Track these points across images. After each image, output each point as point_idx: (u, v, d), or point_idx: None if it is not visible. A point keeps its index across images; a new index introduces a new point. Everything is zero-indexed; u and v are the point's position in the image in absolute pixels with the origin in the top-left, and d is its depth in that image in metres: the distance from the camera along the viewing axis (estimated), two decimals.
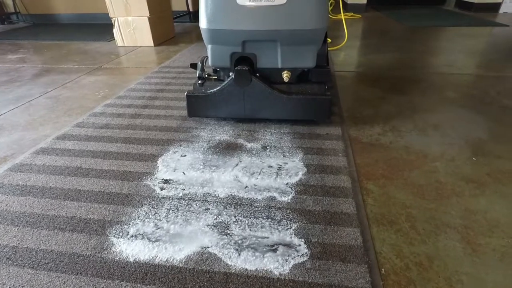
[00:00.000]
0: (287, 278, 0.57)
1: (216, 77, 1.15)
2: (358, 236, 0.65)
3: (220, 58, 1.03)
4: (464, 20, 3.14)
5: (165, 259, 0.61)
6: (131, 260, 0.62)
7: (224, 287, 0.56)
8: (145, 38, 2.47)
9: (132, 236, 0.67)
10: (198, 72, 1.10)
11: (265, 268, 0.59)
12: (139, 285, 0.57)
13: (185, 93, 1.08)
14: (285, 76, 1.05)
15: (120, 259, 0.62)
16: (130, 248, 0.64)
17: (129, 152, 0.98)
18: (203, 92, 1.08)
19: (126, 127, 1.14)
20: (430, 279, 0.58)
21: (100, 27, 3.28)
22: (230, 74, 1.05)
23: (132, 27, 2.45)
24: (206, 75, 1.12)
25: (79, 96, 1.50)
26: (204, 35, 0.99)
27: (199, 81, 1.11)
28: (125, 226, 0.70)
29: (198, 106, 1.10)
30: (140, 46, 2.49)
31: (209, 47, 1.01)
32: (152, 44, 2.48)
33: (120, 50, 2.38)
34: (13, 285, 0.57)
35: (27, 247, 0.65)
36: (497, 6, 3.52)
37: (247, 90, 1.04)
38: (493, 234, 0.67)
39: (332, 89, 1.45)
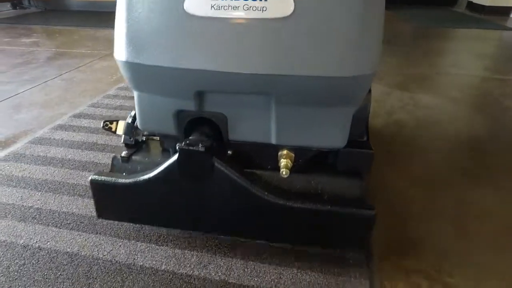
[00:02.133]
0: None
1: (159, 139, 0.63)
2: None
3: (155, 118, 0.55)
4: (474, 22, 3.16)
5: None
6: None
7: None
8: None
9: None
10: (123, 136, 0.62)
11: None
12: (153, 245, 0.62)
13: (90, 178, 0.57)
14: (284, 164, 0.52)
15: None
16: None
17: None
18: (122, 178, 0.56)
19: None
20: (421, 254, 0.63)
21: (110, 14, 3.31)
22: (177, 146, 0.52)
23: None
24: (143, 138, 0.64)
25: (93, 79, 1.55)
26: (123, 73, 0.51)
27: (124, 152, 0.62)
28: None
29: (114, 202, 0.59)
30: None
31: (135, 95, 0.54)
32: None
33: None
34: (39, 239, 0.62)
35: (50, 209, 0.70)
36: (509, 10, 3.51)
37: (207, 186, 0.54)
38: (484, 222, 0.72)
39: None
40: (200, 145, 0.50)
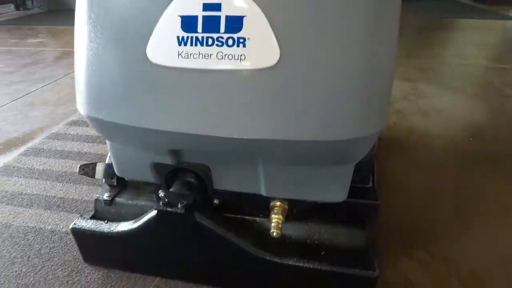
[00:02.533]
0: None
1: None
2: None
3: (132, 168, 0.51)
4: (477, 13, 3.15)
5: None
6: None
7: None
8: None
9: None
10: (104, 179, 0.58)
11: None
12: None
13: (70, 226, 0.54)
14: (275, 223, 0.46)
15: None
16: None
17: None
18: (103, 228, 0.53)
19: None
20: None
21: None
22: (160, 194, 0.50)
23: None
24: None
25: None
26: (89, 124, 0.46)
27: (107, 194, 0.58)
28: None
29: (99, 250, 0.57)
30: None
31: (108, 143, 0.49)
32: None
33: None
34: (65, 225, 0.67)
35: (72, 198, 0.75)
36: None
37: (189, 242, 0.51)
38: (482, 203, 0.75)
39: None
40: (179, 204, 0.45)
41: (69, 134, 1.02)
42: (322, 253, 0.49)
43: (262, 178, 0.44)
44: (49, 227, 0.66)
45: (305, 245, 0.51)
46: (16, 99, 1.34)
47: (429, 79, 1.51)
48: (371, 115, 0.35)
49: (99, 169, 0.57)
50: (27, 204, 0.73)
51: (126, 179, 0.56)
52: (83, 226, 0.54)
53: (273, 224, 0.46)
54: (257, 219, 0.52)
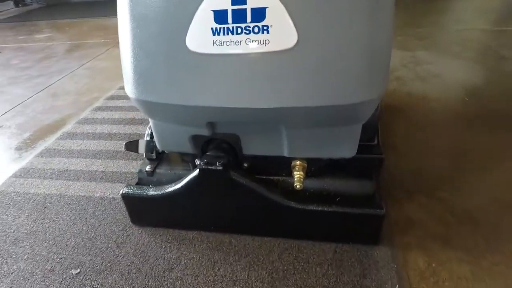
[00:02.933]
0: None
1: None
2: None
3: (173, 141, 0.60)
4: None
5: None
6: None
7: None
8: None
9: None
10: (144, 153, 0.67)
11: None
12: None
13: (120, 192, 0.64)
14: (297, 178, 0.56)
15: None
16: None
17: None
18: (149, 192, 0.63)
19: None
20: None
21: (113, 3, 3.36)
22: (196, 161, 0.61)
23: None
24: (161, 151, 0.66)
25: (114, 66, 1.67)
26: (136, 106, 0.53)
27: (148, 167, 0.67)
28: None
29: (146, 212, 0.67)
30: None
31: (151, 121, 0.58)
32: None
33: None
34: (111, 192, 0.77)
35: (112, 171, 0.85)
36: None
37: (226, 196, 0.60)
38: (475, 154, 0.84)
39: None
40: (217, 163, 0.54)
41: (96, 118, 1.12)
42: (338, 199, 0.59)
43: (284, 142, 0.53)
44: (98, 194, 0.77)
45: (322, 195, 0.61)
46: (39, 92, 1.43)
47: (427, 46, 1.56)
48: (373, 82, 0.44)
49: (141, 145, 0.68)
50: (74, 178, 0.84)
51: (166, 152, 0.66)
52: (132, 191, 0.63)
53: (296, 179, 0.56)
54: (281, 178, 0.61)
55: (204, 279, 0.57)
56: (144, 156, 0.68)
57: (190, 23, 0.41)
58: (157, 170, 0.67)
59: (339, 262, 0.58)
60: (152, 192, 0.62)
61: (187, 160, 0.66)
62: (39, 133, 1.08)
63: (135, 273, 0.58)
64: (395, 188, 0.74)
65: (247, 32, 0.40)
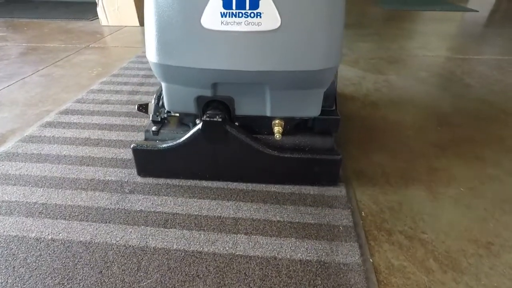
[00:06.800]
0: None
1: (178, 115, 0.84)
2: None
3: (180, 102, 0.74)
4: (438, 4, 3.31)
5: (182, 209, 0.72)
6: (152, 210, 0.72)
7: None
8: (130, 17, 2.45)
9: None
10: (151, 115, 0.81)
11: None
12: (162, 228, 0.67)
13: (131, 146, 0.78)
14: (277, 130, 0.74)
15: (141, 209, 0.72)
16: (149, 201, 0.74)
17: (134, 125, 1.05)
18: (157, 145, 0.78)
19: (126, 103, 1.20)
20: (399, 218, 0.73)
21: (78, 5, 3.17)
22: (197, 121, 0.77)
23: (117, 5, 2.42)
24: (165, 115, 0.82)
25: (73, 74, 1.53)
26: (154, 70, 0.70)
27: (154, 128, 0.81)
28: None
29: (152, 163, 0.80)
30: (125, 26, 2.47)
31: (163, 85, 0.72)
32: (138, 24, 2.47)
33: (105, 30, 2.36)
34: (51, 232, 0.66)
35: (55, 203, 0.73)
36: None
37: (221, 146, 0.76)
38: (450, 186, 0.83)
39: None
40: (217, 117, 0.72)
41: (44, 136, 0.99)
42: (307, 149, 0.79)
43: (267, 103, 0.72)
44: (33, 234, 0.65)
45: (295, 147, 0.80)
46: None
47: (398, 70, 1.59)
48: (331, 54, 0.64)
49: (151, 108, 0.81)
50: (6, 211, 0.71)
51: (172, 112, 0.82)
52: (142, 145, 0.78)
53: (276, 130, 0.75)
54: (263, 136, 0.80)
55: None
56: (150, 119, 0.82)
57: (204, 7, 0.59)
58: (162, 131, 0.82)
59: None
60: (160, 145, 0.78)
61: (186, 123, 0.83)
62: None
63: None
64: (374, 226, 0.70)
65: (246, 16, 0.59)
